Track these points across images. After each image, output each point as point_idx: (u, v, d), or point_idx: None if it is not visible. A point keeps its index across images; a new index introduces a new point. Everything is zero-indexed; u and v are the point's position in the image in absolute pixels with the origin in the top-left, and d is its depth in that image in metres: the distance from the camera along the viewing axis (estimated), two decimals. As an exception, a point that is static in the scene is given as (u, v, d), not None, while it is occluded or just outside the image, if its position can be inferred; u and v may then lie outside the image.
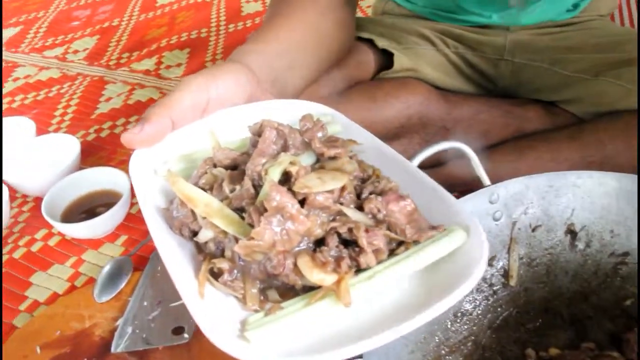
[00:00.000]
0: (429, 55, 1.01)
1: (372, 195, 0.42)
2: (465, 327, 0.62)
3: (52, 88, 1.55)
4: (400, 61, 0.94)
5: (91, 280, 0.90)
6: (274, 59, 0.66)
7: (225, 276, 0.40)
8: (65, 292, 0.90)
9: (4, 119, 1.26)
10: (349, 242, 0.40)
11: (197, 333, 0.73)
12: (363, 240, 0.39)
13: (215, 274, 0.41)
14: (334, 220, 0.41)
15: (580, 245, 0.64)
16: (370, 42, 0.95)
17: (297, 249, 0.40)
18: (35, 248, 0.99)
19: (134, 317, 0.77)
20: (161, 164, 0.49)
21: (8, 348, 0.78)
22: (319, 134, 0.47)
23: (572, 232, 0.64)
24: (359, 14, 1.69)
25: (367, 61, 0.95)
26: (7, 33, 1.94)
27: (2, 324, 0.83)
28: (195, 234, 0.44)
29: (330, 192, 0.41)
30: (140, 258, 0.91)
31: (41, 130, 1.31)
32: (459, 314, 0.62)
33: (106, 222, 0.95)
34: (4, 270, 0.96)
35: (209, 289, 0.40)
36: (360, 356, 0.47)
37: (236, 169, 0.46)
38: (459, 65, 1.03)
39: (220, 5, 1.96)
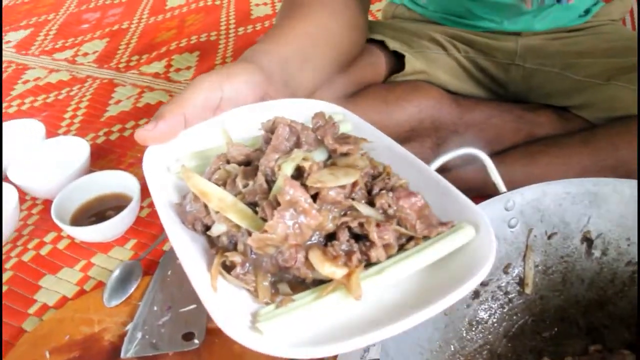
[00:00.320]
0: (440, 59, 1.01)
1: (383, 191, 0.42)
2: (481, 335, 0.61)
3: (62, 90, 1.55)
4: (412, 64, 0.94)
5: (100, 284, 0.90)
6: (285, 59, 0.66)
7: (238, 269, 0.41)
8: (74, 295, 0.89)
9: (14, 122, 1.26)
10: (359, 237, 0.41)
11: (207, 339, 0.72)
12: (374, 235, 0.40)
13: (228, 267, 0.42)
14: (345, 215, 0.41)
15: (597, 253, 0.63)
16: (382, 45, 0.95)
17: (308, 242, 0.41)
18: (44, 251, 0.99)
19: (144, 322, 0.77)
20: (174, 161, 0.50)
21: (17, 352, 0.78)
22: (332, 132, 0.48)
23: (588, 240, 0.63)
24: (369, 18, 1.68)
25: (378, 63, 0.95)
26: (18, 35, 1.94)
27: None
28: (207, 228, 0.45)
29: (343, 187, 0.41)
30: (150, 262, 0.90)
31: (51, 133, 1.31)
32: (474, 322, 0.61)
33: (116, 225, 0.95)
34: (13, 273, 0.95)
35: (222, 282, 0.41)
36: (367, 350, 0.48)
37: (249, 165, 0.47)
38: (470, 69, 1.02)
39: (230, 8, 1.96)
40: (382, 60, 0.95)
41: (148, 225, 1.00)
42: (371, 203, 0.42)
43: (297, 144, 0.47)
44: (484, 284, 0.62)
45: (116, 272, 0.87)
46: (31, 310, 0.88)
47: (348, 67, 0.87)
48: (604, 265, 0.63)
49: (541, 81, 0.98)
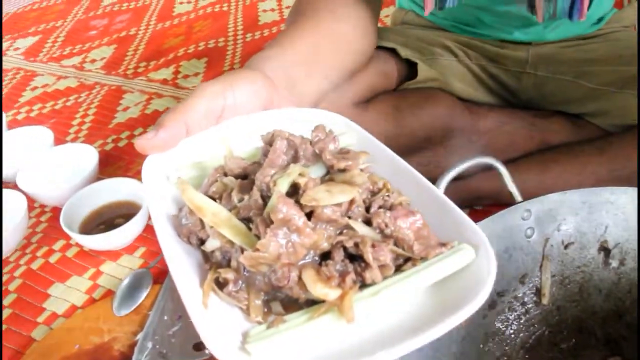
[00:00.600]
0: (451, 66, 1.00)
1: (381, 210, 0.41)
2: (498, 347, 0.60)
3: (70, 97, 1.55)
4: (424, 71, 0.93)
5: (109, 293, 0.90)
6: (291, 65, 0.66)
7: (230, 286, 0.40)
8: (83, 304, 0.89)
9: (22, 129, 1.26)
10: (355, 257, 0.40)
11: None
12: (369, 256, 0.38)
13: (221, 284, 0.41)
14: (340, 233, 0.40)
15: (614, 263, 0.62)
16: (393, 52, 0.94)
17: (302, 261, 0.40)
18: (53, 259, 0.99)
19: (154, 331, 0.76)
20: (174, 170, 0.49)
21: (27, 362, 0.78)
22: (331, 146, 0.46)
23: (605, 250, 0.62)
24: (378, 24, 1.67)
25: (390, 71, 0.94)
26: (26, 42, 1.95)
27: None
28: (202, 242, 0.44)
29: (339, 205, 0.40)
30: (160, 271, 0.90)
31: (59, 140, 1.31)
32: (491, 334, 0.60)
33: (125, 233, 0.94)
34: (22, 281, 0.95)
35: (213, 298, 0.40)
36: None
37: (247, 178, 0.46)
38: (481, 76, 1.02)
39: (238, 15, 1.96)
40: (393, 67, 0.94)
41: (157, 233, 1.00)
42: (369, 221, 0.41)
43: (295, 158, 0.46)
44: (500, 294, 0.61)
45: (126, 281, 0.86)
46: (40, 319, 0.87)
47: (358, 74, 0.86)
48: (621, 275, 0.62)
49: (553, 89, 0.98)
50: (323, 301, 0.38)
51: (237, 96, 0.52)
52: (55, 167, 1.14)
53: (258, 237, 0.39)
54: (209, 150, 0.50)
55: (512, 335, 0.62)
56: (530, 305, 0.62)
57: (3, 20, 2.18)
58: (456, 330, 0.56)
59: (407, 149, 0.88)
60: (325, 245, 0.40)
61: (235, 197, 0.43)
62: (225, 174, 0.47)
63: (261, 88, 0.54)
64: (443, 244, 0.40)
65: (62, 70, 1.71)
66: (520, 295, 0.62)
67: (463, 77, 1.00)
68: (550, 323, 0.63)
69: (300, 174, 0.42)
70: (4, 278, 0.96)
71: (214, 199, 0.44)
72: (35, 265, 0.98)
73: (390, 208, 0.42)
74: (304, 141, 0.47)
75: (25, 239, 1.04)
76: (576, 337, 0.62)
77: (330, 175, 0.44)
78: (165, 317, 0.78)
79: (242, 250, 0.40)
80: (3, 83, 1.67)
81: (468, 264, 0.39)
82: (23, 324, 0.87)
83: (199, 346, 0.72)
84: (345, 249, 0.40)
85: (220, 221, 0.42)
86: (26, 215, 1.01)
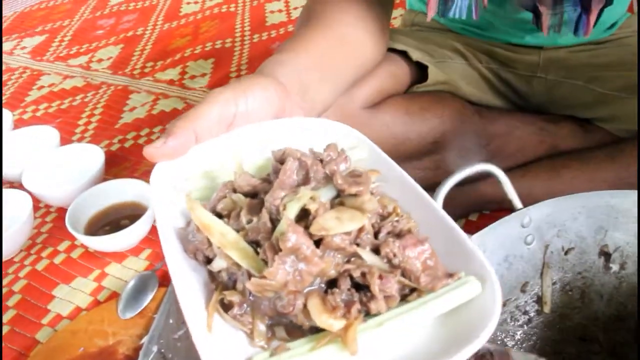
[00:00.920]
0: (461, 69, 0.99)
1: (390, 239, 0.41)
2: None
3: (76, 97, 1.54)
4: (435, 74, 0.93)
5: (114, 295, 0.89)
6: (304, 70, 0.65)
7: (235, 309, 0.40)
8: (88, 306, 0.88)
9: (28, 128, 1.26)
10: (361, 286, 0.40)
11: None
12: (375, 287, 0.38)
13: (226, 306, 0.40)
14: (348, 261, 0.40)
15: (615, 267, 0.62)
16: (404, 54, 0.94)
17: (308, 288, 0.40)
18: (58, 260, 0.98)
19: (160, 335, 0.75)
20: (183, 179, 0.49)
21: (31, 364, 0.77)
22: (342, 166, 0.46)
23: (605, 254, 0.62)
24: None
25: (400, 74, 0.93)
26: (33, 41, 1.95)
27: None
28: (209, 260, 0.43)
29: (348, 233, 0.40)
30: (165, 273, 0.89)
31: (65, 140, 1.30)
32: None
33: (131, 235, 0.94)
34: (27, 281, 0.95)
35: (217, 320, 0.39)
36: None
37: (256, 196, 0.46)
38: (491, 80, 1.01)
39: (245, 16, 1.95)
40: (404, 70, 0.93)
41: (163, 235, 0.99)
42: (377, 248, 0.41)
43: (306, 179, 0.45)
44: (502, 304, 0.61)
45: (131, 283, 0.85)
46: (45, 321, 0.87)
47: (368, 77, 0.86)
48: (622, 279, 0.62)
49: (564, 93, 0.97)
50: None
51: (250, 103, 0.51)
52: (61, 167, 1.13)
53: (265, 262, 0.39)
54: (219, 159, 0.50)
55: (515, 347, 0.61)
56: (532, 314, 0.62)
57: (10, 19, 2.18)
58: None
59: (416, 152, 0.87)
60: (332, 273, 0.40)
61: (244, 217, 0.43)
62: (235, 190, 0.46)
63: (273, 95, 0.53)
64: (450, 275, 0.40)
65: (69, 69, 1.71)
66: (522, 304, 0.62)
67: (473, 81, 0.99)
68: (553, 331, 0.62)
69: (311, 198, 0.41)
70: (9, 279, 0.95)
71: (222, 216, 0.44)
72: (40, 266, 0.97)
73: (399, 234, 0.42)
74: (315, 162, 0.46)
75: (30, 239, 1.03)
76: (580, 345, 0.62)
77: (341, 199, 0.44)
78: (171, 321, 0.77)
79: (249, 274, 0.39)
80: (10, 82, 1.67)
81: (473, 297, 0.39)
82: (27, 325, 0.86)
83: (205, 351, 0.72)
84: (352, 277, 0.39)
85: (228, 243, 0.41)
86: (31, 216, 1.00)
